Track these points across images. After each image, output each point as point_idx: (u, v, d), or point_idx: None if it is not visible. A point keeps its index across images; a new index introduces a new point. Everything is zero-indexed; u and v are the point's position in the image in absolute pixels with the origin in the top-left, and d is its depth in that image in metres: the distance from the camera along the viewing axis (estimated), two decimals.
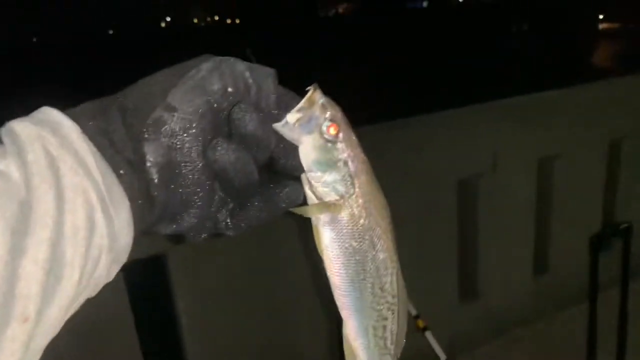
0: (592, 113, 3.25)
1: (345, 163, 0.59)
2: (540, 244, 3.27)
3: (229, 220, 0.57)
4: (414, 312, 1.84)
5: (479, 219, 3.00)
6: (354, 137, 0.60)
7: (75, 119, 0.46)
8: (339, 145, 0.59)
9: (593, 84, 3.65)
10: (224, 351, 2.42)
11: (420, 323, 1.79)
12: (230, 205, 0.57)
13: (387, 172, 2.62)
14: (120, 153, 0.48)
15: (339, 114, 0.59)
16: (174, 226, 0.53)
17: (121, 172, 0.47)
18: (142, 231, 0.52)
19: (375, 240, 0.61)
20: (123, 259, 0.49)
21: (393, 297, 0.64)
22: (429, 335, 1.73)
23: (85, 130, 0.46)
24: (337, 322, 0.67)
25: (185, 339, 2.35)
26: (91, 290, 0.47)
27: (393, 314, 0.65)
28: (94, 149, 0.46)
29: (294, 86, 0.59)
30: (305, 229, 0.63)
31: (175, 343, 2.38)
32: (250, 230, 0.57)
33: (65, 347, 2.03)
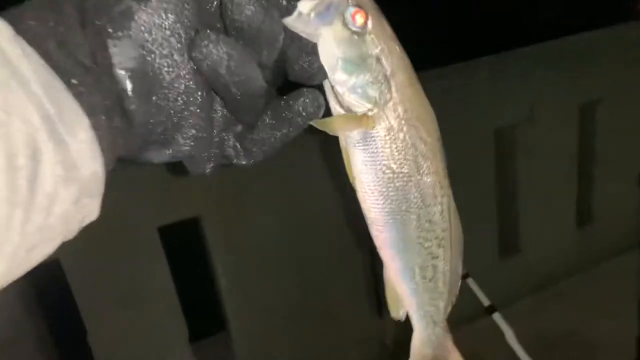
0: (634, 53, 3.07)
1: (378, 60, 0.47)
2: (583, 193, 3.14)
3: (238, 146, 0.46)
4: None
5: (518, 169, 2.90)
6: (386, 26, 0.48)
7: (12, 19, 0.36)
8: (369, 37, 0.47)
9: (635, 23, 3.44)
10: (263, 310, 2.41)
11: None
12: (239, 128, 0.47)
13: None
14: (73, 57, 0.37)
15: None
16: (169, 151, 0.44)
17: (73, 81, 0.37)
18: (125, 157, 0.42)
19: (421, 160, 0.50)
20: (96, 190, 0.38)
21: (443, 230, 0.54)
22: (470, 281, 1.67)
23: (23, 31, 0.36)
24: (375, 264, 0.57)
25: (225, 301, 2.36)
26: (62, 231, 0.38)
27: (445, 250, 0.55)
28: (34, 55, 0.35)
29: None
30: (333, 156, 0.51)
31: (215, 305, 2.39)
32: (265, 157, 0.47)
33: (107, 310, 2.05)
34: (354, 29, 0.46)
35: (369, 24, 0.47)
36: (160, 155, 0.44)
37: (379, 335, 2.70)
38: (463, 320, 2.26)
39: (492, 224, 2.89)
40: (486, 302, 1.55)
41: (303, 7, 0.44)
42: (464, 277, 1.69)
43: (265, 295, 2.40)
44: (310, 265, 2.49)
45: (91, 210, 0.39)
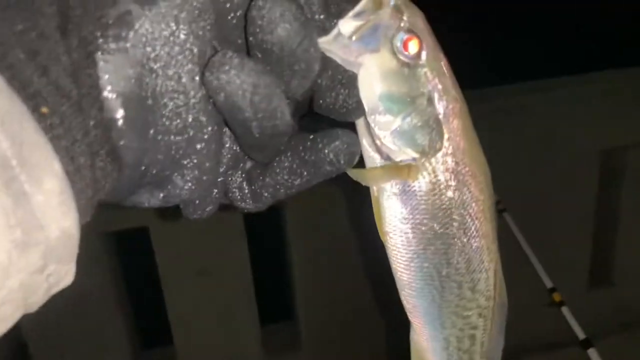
0: None
1: (430, 99, 0.39)
2: None
3: (245, 188, 0.38)
4: (549, 285, 1.66)
5: (623, 195, 2.68)
6: (443, 58, 0.40)
7: None
8: (422, 71, 0.38)
9: None
10: (332, 303, 2.40)
11: (557, 297, 1.61)
12: (248, 165, 0.38)
13: (520, 137, 2.42)
14: (46, 74, 0.27)
15: (420, 21, 0.38)
16: (162, 195, 0.35)
17: (43, 109, 0.27)
18: (107, 202, 0.34)
19: (469, 221, 0.43)
20: (67, 254, 0.29)
21: (487, 299, 0.46)
22: (565, 310, 1.54)
23: None
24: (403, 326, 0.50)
25: (296, 290, 2.37)
26: (19, 307, 0.28)
27: (486, 320, 0.47)
28: None
29: None
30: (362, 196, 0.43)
31: (286, 293, 2.41)
32: (275, 201, 0.39)
33: (186, 281, 2.12)
34: (404, 59, 0.38)
35: (424, 54, 0.38)
36: (152, 199, 0.36)
37: None
38: (552, 348, 2.13)
39: (585, 251, 2.70)
40: (582, 335, 1.43)
41: (344, 27, 0.35)
42: (559, 304, 1.57)
43: (335, 288, 2.39)
44: (380, 265, 2.44)
45: (61, 278, 0.30)
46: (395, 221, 0.42)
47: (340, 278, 2.40)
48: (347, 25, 0.36)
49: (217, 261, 2.20)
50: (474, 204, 0.43)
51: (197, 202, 0.36)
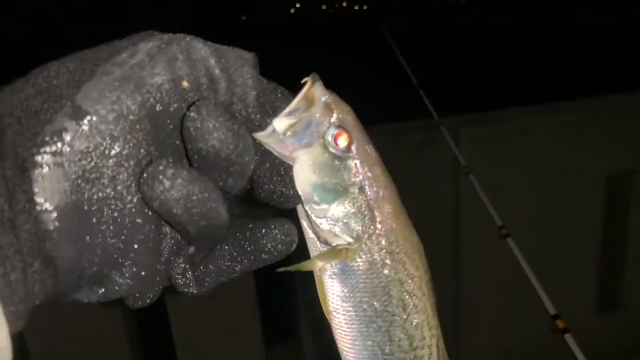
0: None
1: (362, 189, 0.42)
2: None
3: (189, 274, 0.39)
4: (552, 311, 1.65)
5: (631, 220, 2.66)
6: (372, 150, 0.43)
7: None
8: (352, 163, 0.41)
9: None
10: None
11: (560, 324, 1.60)
12: (191, 251, 0.39)
13: (527, 161, 2.43)
14: None
15: (349, 117, 0.41)
16: (101, 291, 0.36)
17: None
18: (44, 303, 0.34)
19: (407, 298, 0.44)
20: None
21: None
22: (569, 338, 1.53)
23: None
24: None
25: (301, 312, 2.37)
26: None
27: None
28: None
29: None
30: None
31: (291, 315, 2.41)
32: (218, 285, 0.39)
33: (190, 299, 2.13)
34: (336, 152, 0.40)
35: (353, 148, 0.41)
36: (91, 296, 0.36)
37: None
38: None
39: (593, 276, 2.68)
40: None
41: (279, 125, 0.38)
42: (563, 332, 1.56)
43: None
44: None
45: None
46: (338, 300, 0.44)
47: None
48: (281, 123, 0.38)
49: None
50: (410, 281, 0.44)
51: (138, 295, 0.37)
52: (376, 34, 2.66)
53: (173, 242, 0.38)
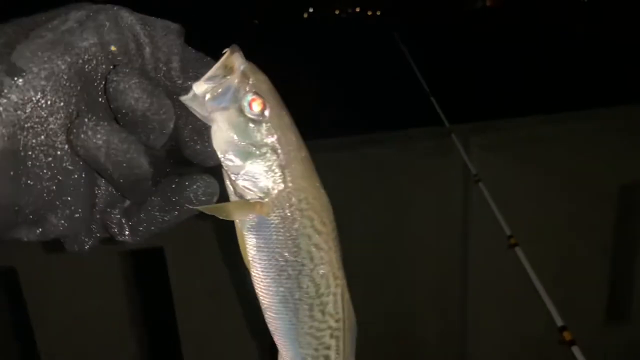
0: None
1: (274, 150, 0.47)
2: None
3: (124, 224, 0.44)
4: (559, 323, 1.64)
5: None
6: (285, 115, 0.47)
7: None
8: (265, 126, 0.46)
9: None
10: None
11: (567, 335, 1.58)
12: (126, 203, 0.44)
13: (537, 169, 2.41)
14: None
15: (264, 84, 0.46)
16: (39, 231, 0.40)
17: None
18: None
19: (314, 250, 0.50)
20: None
21: (337, 321, 0.53)
22: (576, 350, 1.52)
23: None
24: (271, 349, 0.54)
25: None
26: None
27: (338, 341, 0.54)
28: None
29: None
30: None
31: None
32: (152, 236, 0.45)
33: (198, 300, 2.11)
34: (250, 116, 0.45)
35: (267, 112, 0.45)
36: (30, 234, 0.41)
37: None
38: None
39: (602, 286, 2.65)
40: None
41: (199, 89, 0.42)
42: (570, 343, 1.55)
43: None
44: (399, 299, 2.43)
45: None
46: (255, 250, 0.49)
47: (353, 291, 2.39)
48: (200, 87, 0.43)
49: (229, 282, 2.22)
50: (317, 236, 0.50)
51: (74, 236, 0.42)
52: (388, 39, 2.67)
53: (107, 194, 0.43)
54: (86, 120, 0.37)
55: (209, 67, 0.43)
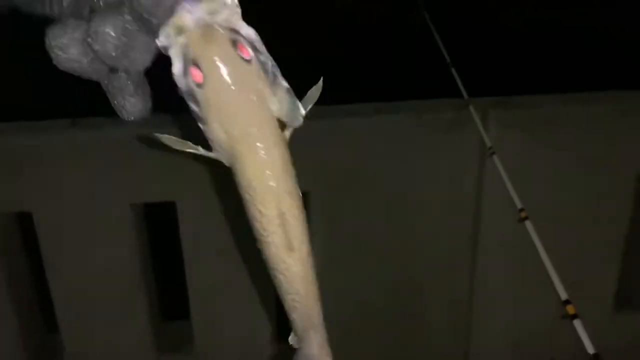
0: None
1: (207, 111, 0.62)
2: None
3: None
4: (563, 296, 1.63)
5: None
6: (227, 83, 0.58)
7: None
8: (201, 92, 0.58)
9: None
10: (354, 307, 2.41)
11: (571, 309, 1.57)
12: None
13: (554, 150, 2.37)
14: None
15: (210, 51, 0.56)
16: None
17: None
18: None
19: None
20: None
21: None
22: (577, 324, 1.50)
23: None
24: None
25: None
26: None
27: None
28: None
29: None
30: None
31: None
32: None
33: (208, 260, 2.14)
34: (192, 85, 0.58)
35: (206, 82, 0.58)
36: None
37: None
38: None
39: (613, 272, 2.62)
40: (591, 349, 1.40)
41: (159, 42, 0.54)
42: (572, 317, 1.53)
43: (356, 271, 2.38)
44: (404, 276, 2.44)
45: None
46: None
47: (360, 263, 2.38)
48: (159, 41, 0.53)
49: (239, 241, 2.25)
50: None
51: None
52: (412, 6, 2.63)
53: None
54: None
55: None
